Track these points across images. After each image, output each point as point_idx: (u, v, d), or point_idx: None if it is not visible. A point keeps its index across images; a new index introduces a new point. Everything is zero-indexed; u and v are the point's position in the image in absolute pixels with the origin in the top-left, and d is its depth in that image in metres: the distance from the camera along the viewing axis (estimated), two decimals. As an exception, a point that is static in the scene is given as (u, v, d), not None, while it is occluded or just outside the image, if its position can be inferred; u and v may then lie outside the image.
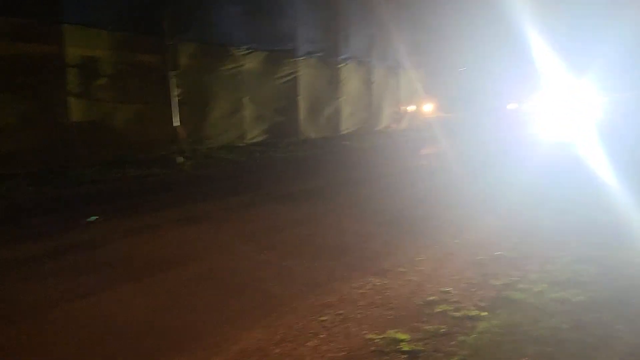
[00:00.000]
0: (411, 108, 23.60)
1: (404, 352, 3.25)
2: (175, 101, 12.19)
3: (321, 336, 3.50)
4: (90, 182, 9.89)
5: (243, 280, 4.62)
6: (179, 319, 3.84)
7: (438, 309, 3.88)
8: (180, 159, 11.80)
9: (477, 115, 28.59)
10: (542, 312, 3.73)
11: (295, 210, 7.53)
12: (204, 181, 10.45)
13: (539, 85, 24.55)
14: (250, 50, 14.37)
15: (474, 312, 3.79)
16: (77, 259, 5.29)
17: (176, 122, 12.15)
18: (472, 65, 29.45)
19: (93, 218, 6.97)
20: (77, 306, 4.10)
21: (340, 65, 18.13)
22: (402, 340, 3.37)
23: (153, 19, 11.76)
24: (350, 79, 18.85)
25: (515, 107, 30.65)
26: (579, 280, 4.31)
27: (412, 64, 23.32)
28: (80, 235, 6.21)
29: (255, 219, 6.99)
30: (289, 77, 15.88)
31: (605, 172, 9.28)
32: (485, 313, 3.77)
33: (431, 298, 4.09)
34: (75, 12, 10.68)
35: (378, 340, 3.40)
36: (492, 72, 29.12)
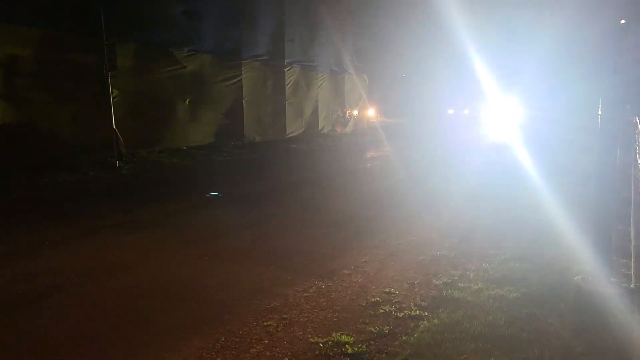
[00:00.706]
0: (356, 112, 23.97)
1: (348, 355, 3.25)
2: (113, 103, 11.72)
3: (265, 342, 3.44)
4: (19, 188, 9.29)
5: (184, 287, 4.48)
6: (116, 329, 3.66)
7: (381, 310, 3.92)
8: (118, 163, 11.34)
9: (420, 120, 29.52)
10: (480, 310, 3.85)
11: (240, 214, 7.41)
12: (143, 186, 10.10)
13: (476, 93, 26.26)
14: (192, 52, 14.08)
15: (416, 312, 3.86)
16: (4, 271, 4.94)
17: (114, 124, 11.68)
18: (414, 73, 30.42)
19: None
20: (5, 317, 3.83)
21: (285, 69, 18.12)
22: (346, 343, 3.37)
23: (89, 17, 11.25)
24: (296, 83, 18.88)
25: (454, 112, 31.93)
26: (513, 278, 4.49)
27: (357, 69, 23.74)
28: (9, 245, 5.82)
29: (197, 224, 6.82)
30: (233, 80, 15.69)
31: (532, 172, 9.87)
32: (427, 312, 3.85)
33: (375, 299, 4.13)
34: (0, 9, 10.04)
35: (322, 343, 3.38)
36: (434, 80, 30.28)
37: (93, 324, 3.75)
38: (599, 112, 4.16)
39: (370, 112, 25.77)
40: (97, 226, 6.60)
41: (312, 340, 3.44)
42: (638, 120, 8.45)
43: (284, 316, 3.83)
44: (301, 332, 3.57)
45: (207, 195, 7.22)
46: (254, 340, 3.46)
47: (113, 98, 11.76)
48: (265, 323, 3.72)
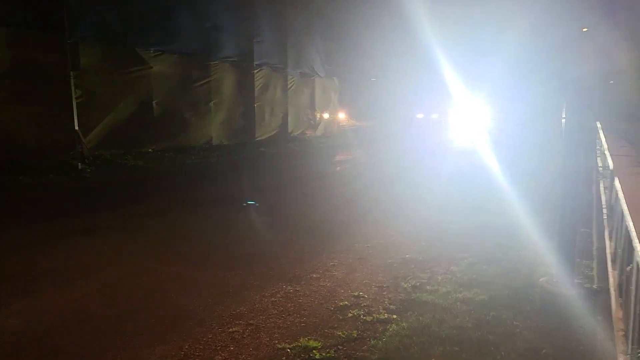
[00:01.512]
0: (326, 115, 23.99)
1: (315, 360, 3.19)
2: (76, 103, 11.35)
3: (230, 349, 3.34)
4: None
5: (147, 293, 4.33)
6: (75, 337, 3.50)
7: (350, 314, 3.87)
8: (80, 165, 10.98)
9: (390, 123, 29.83)
10: (448, 313, 3.85)
11: (206, 218, 7.26)
12: (106, 189, 9.80)
13: (445, 98, 26.95)
14: (159, 52, 13.78)
15: (385, 316, 3.82)
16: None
17: (76, 125, 11.31)
18: (385, 76, 30.75)
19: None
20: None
21: (255, 71, 17.95)
22: (314, 348, 3.31)
23: (51, 14, 10.87)
24: (265, 85, 18.72)
25: (423, 116, 32.42)
26: (480, 281, 4.52)
27: (327, 72, 23.77)
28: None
29: (161, 228, 6.63)
30: (201, 82, 15.44)
31: (499, 176, 10.08)
32: (395, 316, 3.82)
33: (343, 303, 4.08)
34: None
35: (289, 349, 3.31)
36: (404, 84, 30.70)
37: (51, 333, 3.57)
38: (563, 117, 4.23)
39: (341, 115, 25.87)
40: (55, 231, 6.34)
41: (279, 346, 3.37)
42: (599, 125, 8.71)
43: (251, 322, 3.74)
44: (268, 338, 3.49)
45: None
46: (218, 348, 3.36)
47: (76, 98, 11.40)
48: (230, 329, 3.62)
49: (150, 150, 13.58)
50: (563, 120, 4.30)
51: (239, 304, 4.05)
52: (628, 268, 2.38)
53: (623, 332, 2.66)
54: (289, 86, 20.42)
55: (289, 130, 20.57)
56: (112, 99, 12.54)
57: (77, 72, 11.29)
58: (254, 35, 17.73)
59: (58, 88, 11.18)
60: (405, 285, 4.47)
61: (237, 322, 3.74)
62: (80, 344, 3.41)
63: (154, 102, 13.68)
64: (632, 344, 2.04)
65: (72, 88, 11.24)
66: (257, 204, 8.11)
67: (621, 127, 9.49)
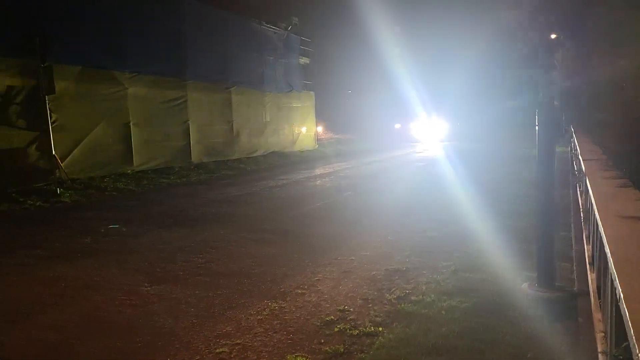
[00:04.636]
0: (304, 129, 24.10)
1: (303, 377, 3.18)
2: (52, 128, 11.20)
3: (217, 370, 3.32)
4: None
5: (130, 316, 4.27)
6: (56, 368, 3.43)
7: (336, 329, 3.87)
8: (59, 190, 10.80)
9: (365, 135, 30.15)
10: (434, 322, 3.88)
11: (187, 237, 7.19)
12: (85, 212, 9.64)
13: (417, 111, 28.43)
14: (135, 74, 13.72)
15: (371, 329, 3.84)
16: None
17: (53, 150, 11.15)
18: (360, 89, 31.20)
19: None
20: None
21: (231, 89, 17.97)
22: (301, 365, 3.30)
23: (23, 37, 10.75)
24: (242, 103, 18.75)
25: (399, 127, 32.99)
26: (464, 288, 4.57)
27: (304, 86, 23.95)
28: None
29: (143, 250, 6.54)
30: (178, 102, 15.40)
31: (473, 185, 10.30)
32: (381, 328, 3.84)
33: (329, 318, 4.09)
34: None
35: (277, 367, 3.30)
36: (378, 98, 31.27)
37: (30, 364, 3.50)
38: (536, 125, 4.34)
39: (318, 129, 26.06)
40: (35, 256, 6.21)
41: (266, 364, 3.35)
42: (572, 129, 8.95)
43: (237, 341, 3.72)
44: (255, 357, 3.47)
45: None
46: (206, 369, 3.33)
47: (52, 122, 11.25)
48: (218, 350, 3.59)
49: (129, 171, 13.45)
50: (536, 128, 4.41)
51: (224, 324, 4.03)
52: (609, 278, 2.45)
53: (603, 333, 2.72)
54: (266, 102, 20.49)
55: (268, 146, 20.61)
56: (89, 121, 12.44)
57: (53, 96, 11.15)
58: (229, 53, 17.79)
59: (33, 113, 11.04)
60: (390, 297, 4.50)
61: (223, 342, 3.71)
62: (64, 374, 3.35)
63: (131, 124, 13.59)
64: (611, 345, 2.10)
65: (48, 112, 11.10)
66: (238, 220, 8.09)
67: (593, 131, 9.75)
